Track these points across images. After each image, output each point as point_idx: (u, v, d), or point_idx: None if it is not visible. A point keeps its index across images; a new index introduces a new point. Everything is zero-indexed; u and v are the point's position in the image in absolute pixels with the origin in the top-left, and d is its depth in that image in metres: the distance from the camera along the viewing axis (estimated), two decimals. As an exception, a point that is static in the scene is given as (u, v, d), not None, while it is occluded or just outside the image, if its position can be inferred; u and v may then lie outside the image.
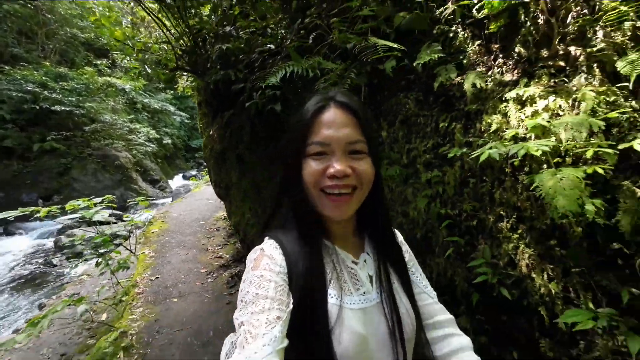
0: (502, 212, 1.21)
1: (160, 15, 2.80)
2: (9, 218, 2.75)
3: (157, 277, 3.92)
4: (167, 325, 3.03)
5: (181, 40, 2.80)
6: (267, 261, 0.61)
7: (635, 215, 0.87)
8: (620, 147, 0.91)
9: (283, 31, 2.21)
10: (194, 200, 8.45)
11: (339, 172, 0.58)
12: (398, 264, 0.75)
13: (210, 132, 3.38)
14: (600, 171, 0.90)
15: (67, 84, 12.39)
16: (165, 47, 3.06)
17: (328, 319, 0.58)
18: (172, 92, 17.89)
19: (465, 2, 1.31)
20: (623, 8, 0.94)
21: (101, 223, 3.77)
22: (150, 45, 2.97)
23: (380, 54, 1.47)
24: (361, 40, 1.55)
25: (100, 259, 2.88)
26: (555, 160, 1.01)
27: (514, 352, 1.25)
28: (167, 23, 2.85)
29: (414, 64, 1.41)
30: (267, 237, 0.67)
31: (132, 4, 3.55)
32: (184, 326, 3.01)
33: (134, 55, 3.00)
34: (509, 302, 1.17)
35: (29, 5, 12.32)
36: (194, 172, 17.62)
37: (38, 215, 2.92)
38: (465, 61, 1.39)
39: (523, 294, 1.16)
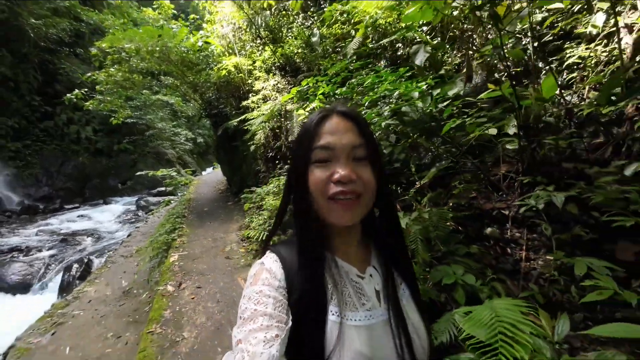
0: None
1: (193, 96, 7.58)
2: (149, 174, 7.46)
3: (197, 190, 10.24)
4: (200, 198, 9.33)
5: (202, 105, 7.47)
6: (267, 275, 0.60)
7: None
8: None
9: (234, 102, 6.58)
10: (214, 174, 15.35)
11: (344, 177, 0.57)
12: (409, 278, 0.71)
13: (214, 137, 8.09)
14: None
15: (133, 103, 17.08)
16: (196, 106, 7.73)
17: (325, 341, 0.55)
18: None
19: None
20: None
21: (171, 178, 8.60)
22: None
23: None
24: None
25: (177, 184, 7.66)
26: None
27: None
28: (195, 96, 7.52)
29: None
30: (268, 251, 0.67)
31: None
32: (204, 198, 9.18)
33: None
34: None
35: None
36: (221, 164, 22.14)
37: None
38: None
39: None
